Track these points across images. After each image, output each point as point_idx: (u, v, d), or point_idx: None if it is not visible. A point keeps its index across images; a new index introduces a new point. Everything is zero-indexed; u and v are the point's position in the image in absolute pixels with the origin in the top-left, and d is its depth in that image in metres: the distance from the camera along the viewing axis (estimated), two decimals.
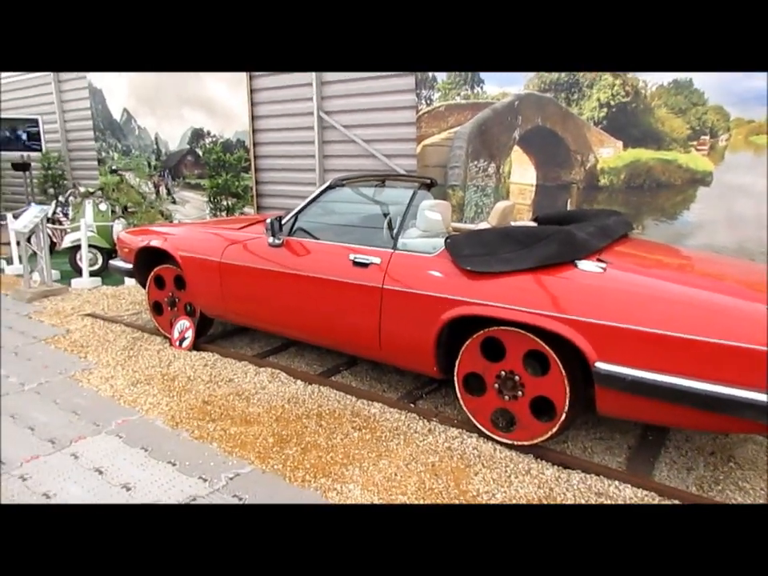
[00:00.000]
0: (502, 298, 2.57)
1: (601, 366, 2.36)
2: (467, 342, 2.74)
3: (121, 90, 7.98)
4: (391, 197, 3.55)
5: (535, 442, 2.63)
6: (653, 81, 4.44)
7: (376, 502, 2.40)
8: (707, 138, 4.34)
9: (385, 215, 3.31)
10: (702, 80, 4.27)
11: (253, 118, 6.75)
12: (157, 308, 4.23)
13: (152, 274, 4.12)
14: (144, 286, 4.29)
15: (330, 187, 3.29)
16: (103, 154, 8.48)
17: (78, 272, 6.30)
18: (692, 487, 2.52)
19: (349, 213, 3.47)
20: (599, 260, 2.59)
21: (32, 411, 3.21)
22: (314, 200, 3.35)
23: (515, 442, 2.68)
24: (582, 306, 2.40)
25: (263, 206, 7.04)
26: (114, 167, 8.34)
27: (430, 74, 5.44)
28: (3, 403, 3.32)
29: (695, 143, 4.37)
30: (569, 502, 2.37)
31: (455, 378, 2.83)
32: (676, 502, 2.36)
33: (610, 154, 4.71)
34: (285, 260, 3.30)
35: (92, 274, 6.19)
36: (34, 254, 5.76)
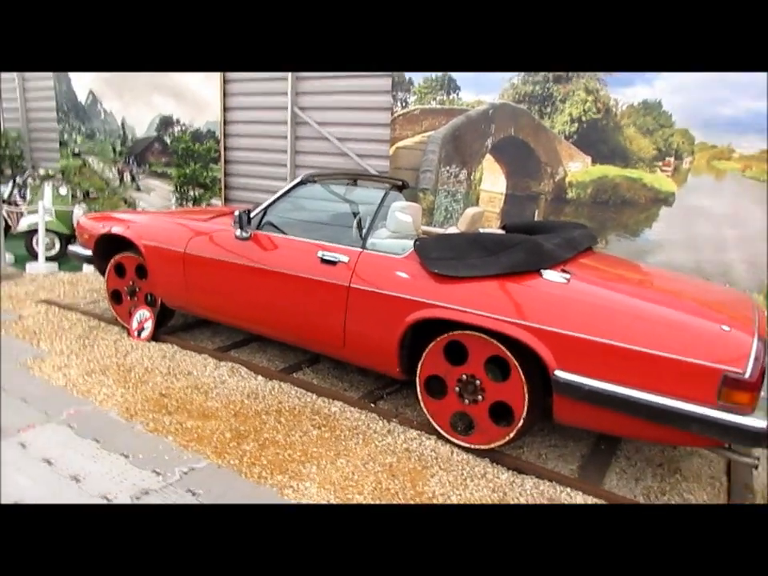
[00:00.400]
0: (467, 302, 2.59)
1: (559, 374, 2.41)
2: (430, 345, 2.75)
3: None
4: (362, 196, 3.54)
5: (492, 446, 2.66)
6: (623, 100, 4.56)
7: (332, 500, 2.39)
8: (672, 159, 4.47)
9: (355, 214, 3.31)
10: (671, 102, 4.40)
11: (225, 108, 6.65)
12: (116, 297, 4.12)
13: (112, 261, 4.01)
14: (103, 274, 4.17)
15: (301, 182, 3.27)
16: (66, 136, 8.20)
17: (34, 256, 6.09)
18: (639, 497, 2.59)
19: (319, 210, 3.45)
20: (564, 270, 2.65)
21: None
22: (284, 195, 3.31)
23: (472, 446, 2.71)
24: (544, 314, 2.45)
25: (231, 198, 6.94)
26: (76, 150, 8.09)
27: (407, 76, 5.46)
28: None
29: (661, 164, 4.51)
30: None
31: (417, 380, 2.84)
32: None
33: (578, 168, 4.81)
34: (251, 254, 3.26)
35: (49, 259, 5.99)
36: None
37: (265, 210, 3.33)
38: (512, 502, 2.43)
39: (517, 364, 2.52)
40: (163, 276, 3.70)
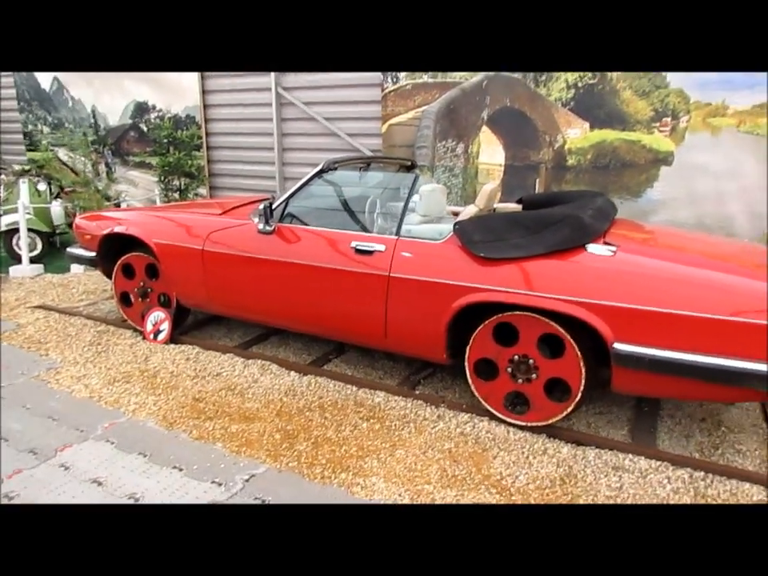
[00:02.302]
0: (517, 283, 2.57)
1: (619, 346, 2.42)
2: (479, 328, 2.72)
3: None
4: (385, 181, 3.45)
5: (550, 422, 2.68)
6: None
7: (402, 492, 2.36)
8: (669, 119, 4.51)
9: (382, 200, 3.22)
10: None
11: (204, 91, 6.39)
12: (124, 299, 3.96)
13: (119, 262, 3.83)
14: (108, 275, 4.00)
15: (322, 171, 3.16)
16: (30, 126, 7.79)
17: (15, 258, 5.80)
18: (695, 453, 2.65)
19: (340, 197, 3.34)
20: (606, 243, 2.64)
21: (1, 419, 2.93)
22: (305, 184, 3.20)
23: (529, 424, 2.72)
24: (598, 289, 2.45)
25: (216, 185, 6.73)
26: (43, 142, 7.68)
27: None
28: None
29: (658, 124, 4.54)
30: (588, 479, 2.44)
31: (466, 364, 2.82)
32: (688, 469, 2.47)
33: (577, 134, 4.80)
34: (278, 248, 3.14)
35: (32, 260, 5.70)
36: None
37: (286, 202, 3.21)
38: (578, 475, 2.46)
39: (572, 340, 2.53)
40: (180, 275, 3.55)
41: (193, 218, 3.57)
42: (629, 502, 2.31)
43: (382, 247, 2.89)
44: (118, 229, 3.68)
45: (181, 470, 2.52)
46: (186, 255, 3.45)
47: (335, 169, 3.18)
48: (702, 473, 2.45)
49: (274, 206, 3.19)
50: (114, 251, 3.88)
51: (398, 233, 2.91)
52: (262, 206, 3.12)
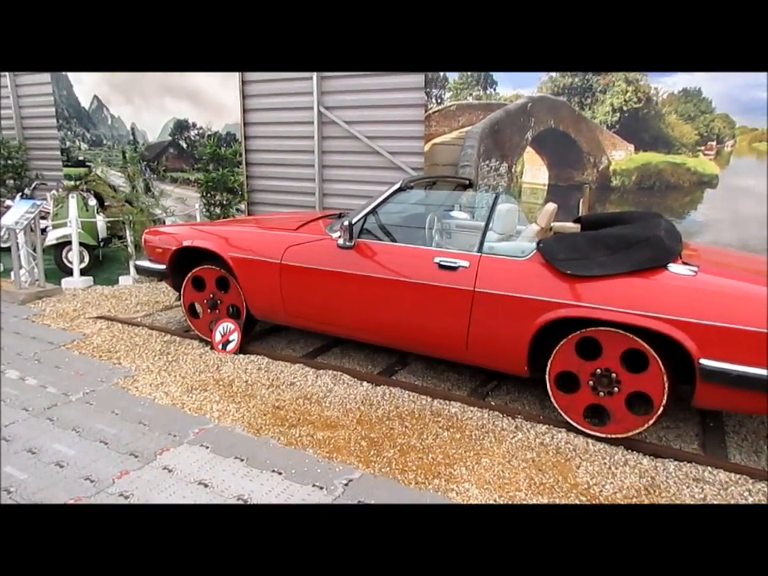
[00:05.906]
0: (604, 300, 2.69)
1: (705, 362, 2.54)
2: (562, 342, 2.84)
3: (90, 76, 7.49)
4: (461, 200, 3.58)
5: (629, 434, 2.78)
6: (663, 89, 4.72)
7: (497, 499, 2.46)
8: (714, 143, 4.67)
9: (459, 218, 3.35)
10: (710, 89, 4.58)
11: (244, 110, 6.57)
12: (191, 310, 4.08)
13: (190, 275, 3.95)
14: (176, 288, 4.12)
15: (399, 189, 3.29)
16: (68, 143, 7.95)
17: (64, 271, 5.93)
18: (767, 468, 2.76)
19: (413, 215, 3.48)
20: (685, 263, 2.77)
21: (94, 423, 3.03)
22: (383, 202, 3.33)
23: (609, 436, 2.82)
24: (685, 306, 2.56)
25: (254, 201, 6.89)
26: (80, 158, 7.84)
27: (441, 73, 5.50)
28: (55, 415, 3.12)
29: (703, 148, 4.69)
30: (672, 490, 2.54)
31: (547, 377, 2.93)
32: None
33: (622, 156, 4.96)
34: (360, 262, 3.27)
35: (80, 272, 5.83)
36: (8, 250, 5.35)
37: (365, 218, 3.35)
38: (661, 486, 2.56)
39: (656, 355, 2.64)
40: (255, 287, 3.66)
41: (266, 233, 3.70)
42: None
43: (466, 263, 3.01)
44: (197, 243, 3.80)
45: (280, 473, 2.62)
46: (263, 268, 3.57)
47: (411, 187, 3.32)
48: None
49: (353, 222, 3.32)
50: (182, 264, 4.00)
51: (480, 249, 3.04)
52: (344, 222, 3.25)
